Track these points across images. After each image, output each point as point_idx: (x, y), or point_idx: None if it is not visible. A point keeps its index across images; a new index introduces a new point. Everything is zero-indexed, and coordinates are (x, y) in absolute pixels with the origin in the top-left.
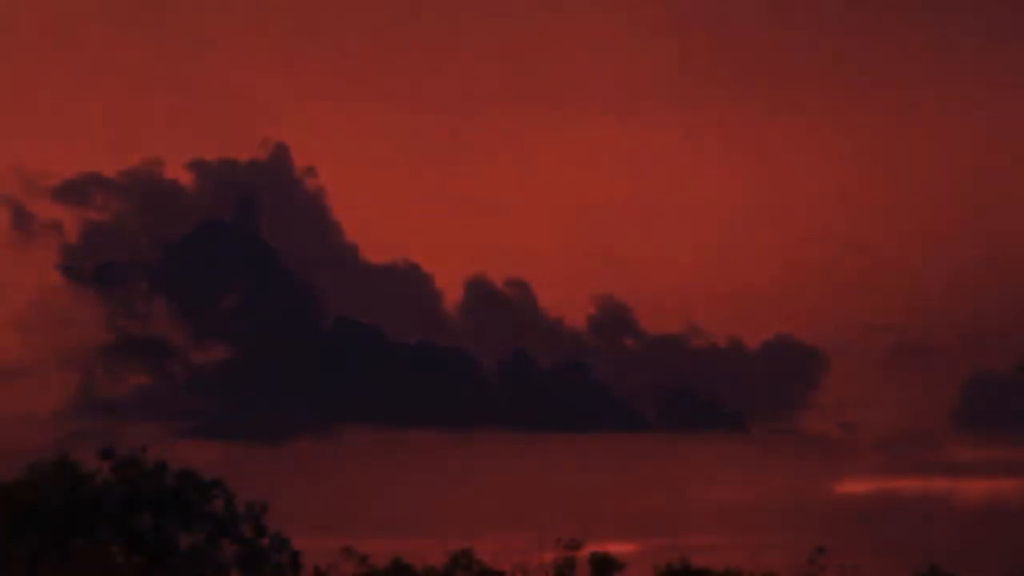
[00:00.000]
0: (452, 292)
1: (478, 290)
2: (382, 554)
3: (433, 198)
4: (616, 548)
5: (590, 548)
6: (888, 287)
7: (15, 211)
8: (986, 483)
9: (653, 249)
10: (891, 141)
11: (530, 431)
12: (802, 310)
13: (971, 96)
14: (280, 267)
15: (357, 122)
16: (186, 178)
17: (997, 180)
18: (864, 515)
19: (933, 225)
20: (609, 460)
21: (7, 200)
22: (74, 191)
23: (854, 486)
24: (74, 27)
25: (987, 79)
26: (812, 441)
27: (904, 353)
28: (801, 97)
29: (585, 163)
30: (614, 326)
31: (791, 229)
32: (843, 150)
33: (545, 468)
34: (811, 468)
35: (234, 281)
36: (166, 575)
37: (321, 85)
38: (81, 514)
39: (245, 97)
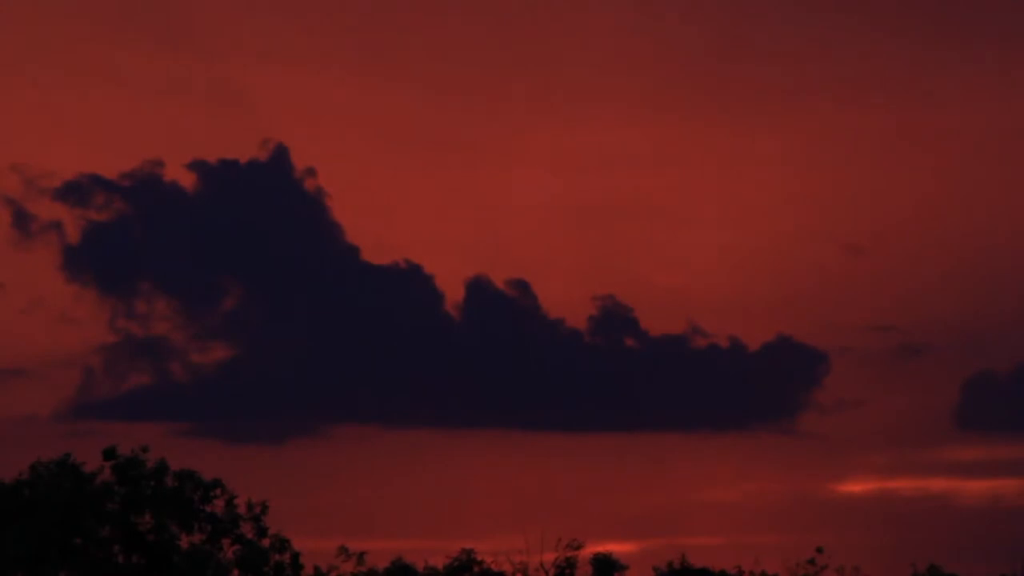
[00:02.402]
0: (453, 293)
1: (479, 290)
2: (382, 554)
3: (434, 199)
4: (616, 548)
5: (590, 548)
6: (888, 287)
7: (15, 211)
8: (986, 483)
9: (654, 250)
10: (891, 141)
11: (530, 431)
12: (803, 310)
13: (971, 96)
14: (281, 269)
15: (357, 122)
16: (186, 179)
17: (996, 179)
18: (864, 515)
19: (932, 225)
20: (609, 460)
21: (7, 200)
22: (74, 191)
23: (854, 486)
24: (75, 28)
25: (984, 79)
26: (812, 441)
27: (904, 353)
28: (803, 98)
29: (587, 163)
30: (615, 327)
31: (792, 229)
32: (844, 150)
33: (545, 468)
34: (811, 468)
35: (235, 281)
36: (166, 575)
37: (321, 85)
38: (82, 514)
39: (245, 97)
